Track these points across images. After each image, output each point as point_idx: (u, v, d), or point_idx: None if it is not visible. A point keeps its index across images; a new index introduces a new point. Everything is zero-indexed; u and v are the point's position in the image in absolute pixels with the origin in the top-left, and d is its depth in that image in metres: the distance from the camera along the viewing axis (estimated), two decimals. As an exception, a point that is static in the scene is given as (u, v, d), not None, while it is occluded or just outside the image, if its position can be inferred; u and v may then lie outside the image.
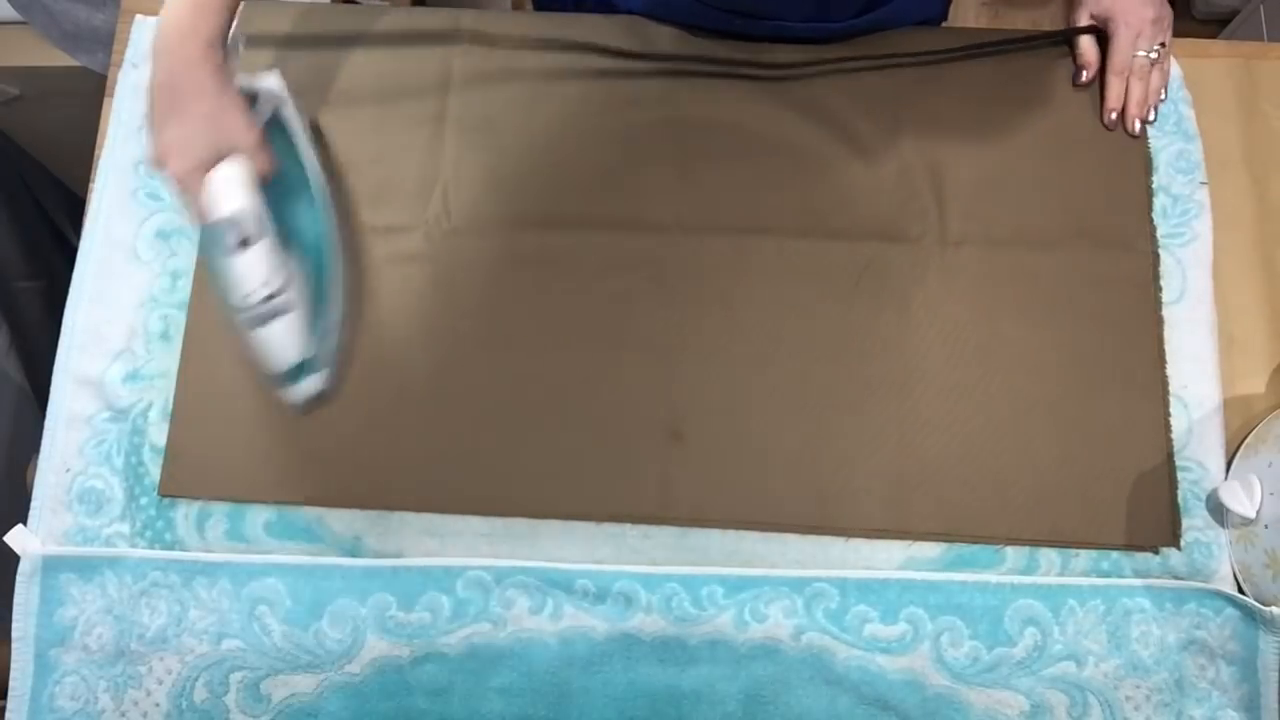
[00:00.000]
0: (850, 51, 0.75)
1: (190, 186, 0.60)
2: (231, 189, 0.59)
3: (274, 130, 0.67)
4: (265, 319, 0.61)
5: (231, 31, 0.62)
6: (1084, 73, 0.75)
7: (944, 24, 0.85)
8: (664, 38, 0.77)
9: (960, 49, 0.76)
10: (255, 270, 0.60)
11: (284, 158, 0.67)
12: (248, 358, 0.65)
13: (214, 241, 0.59)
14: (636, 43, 0.76)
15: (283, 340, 0.63)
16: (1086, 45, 0.75)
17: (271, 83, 0.67)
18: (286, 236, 0.65)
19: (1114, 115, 0.74)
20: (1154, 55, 0.73)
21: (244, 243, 0.59)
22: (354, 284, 0.70)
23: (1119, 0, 0.73)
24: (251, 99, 0.65)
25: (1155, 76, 0.74)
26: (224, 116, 0.61)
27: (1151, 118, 0.74)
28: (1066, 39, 0.76)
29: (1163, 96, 0.75)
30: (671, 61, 0.75)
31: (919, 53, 0.75)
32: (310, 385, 0.66)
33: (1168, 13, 0.74)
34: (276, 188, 0.64)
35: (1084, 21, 0.75)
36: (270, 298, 0.60)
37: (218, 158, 0.60)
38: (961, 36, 0.77)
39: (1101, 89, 0.75)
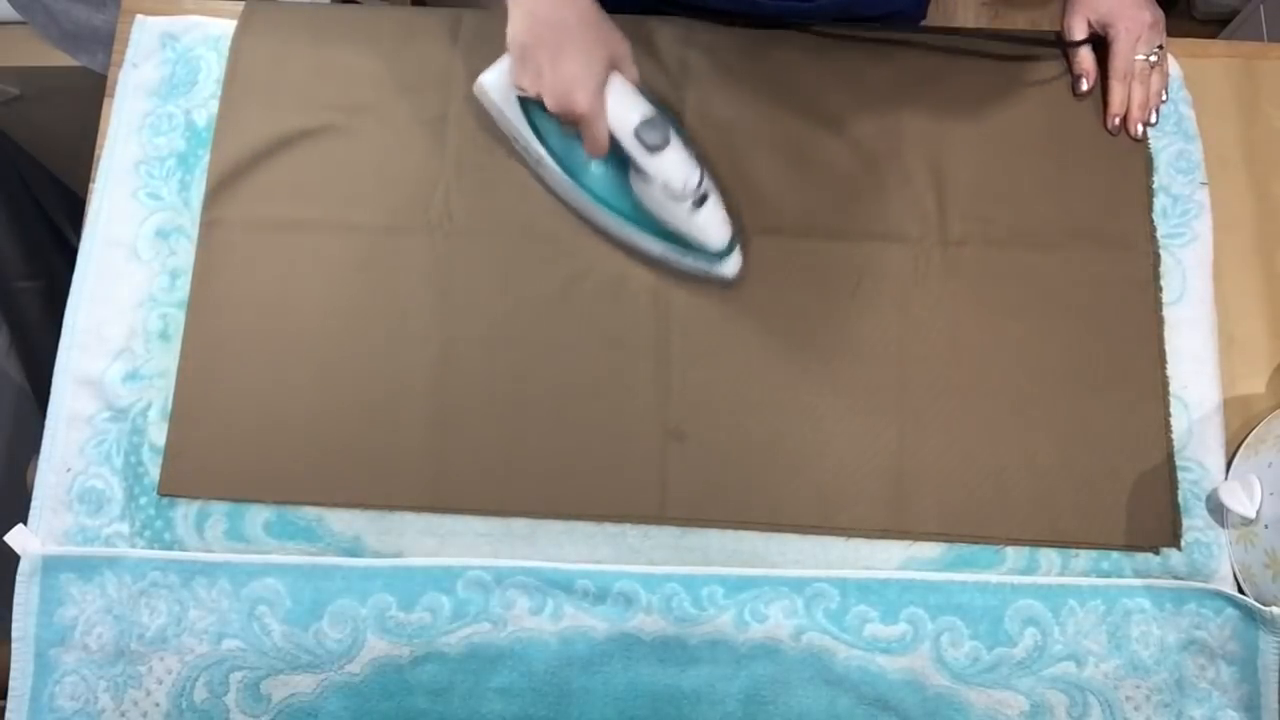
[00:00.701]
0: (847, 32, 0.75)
1: (596, 121, 0.60)
2: (633, 97, 0.61)
3: None
4: (701, 202, 0.64)
5: None
6: (1084, 81, 0.75)
7: (940, 24, 0.85)
8: (663, 36, 0.77)
9: (945, 49, 0.76)
10: (678, 167, 0.62)
11: None
12: (690, 237, 0.66)
13: (633, 150, 0.61)
14: (638, 37, 0.76)
15: (717, 218, 0.65)
16: (1084, 53, 0.75)
17: None
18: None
19: (1117, 120, 0.74)
20: (1153, 58, 0.73)
21: (666, 141, 0.61)
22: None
23: (1116, 6, 0.73)
24: None
25: (1155, 79, 0.74)
26: (606, 31, 0.61)
27: (1154, 120, 0.74)
28: (1062, 48, 0.76)
29: (1164, 97, 0.75)
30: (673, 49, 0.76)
31: (900, 40, 0.76)
32: (729, 267, 0.68)
33: (1161, 15, 0.74)
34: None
35: (1079, 27, 0.75)
36: (698, 187, 0.62)
37: (608, 73, 0.61)
38: (958, 38, 0.77)
39: (1103, 95, 0.75)
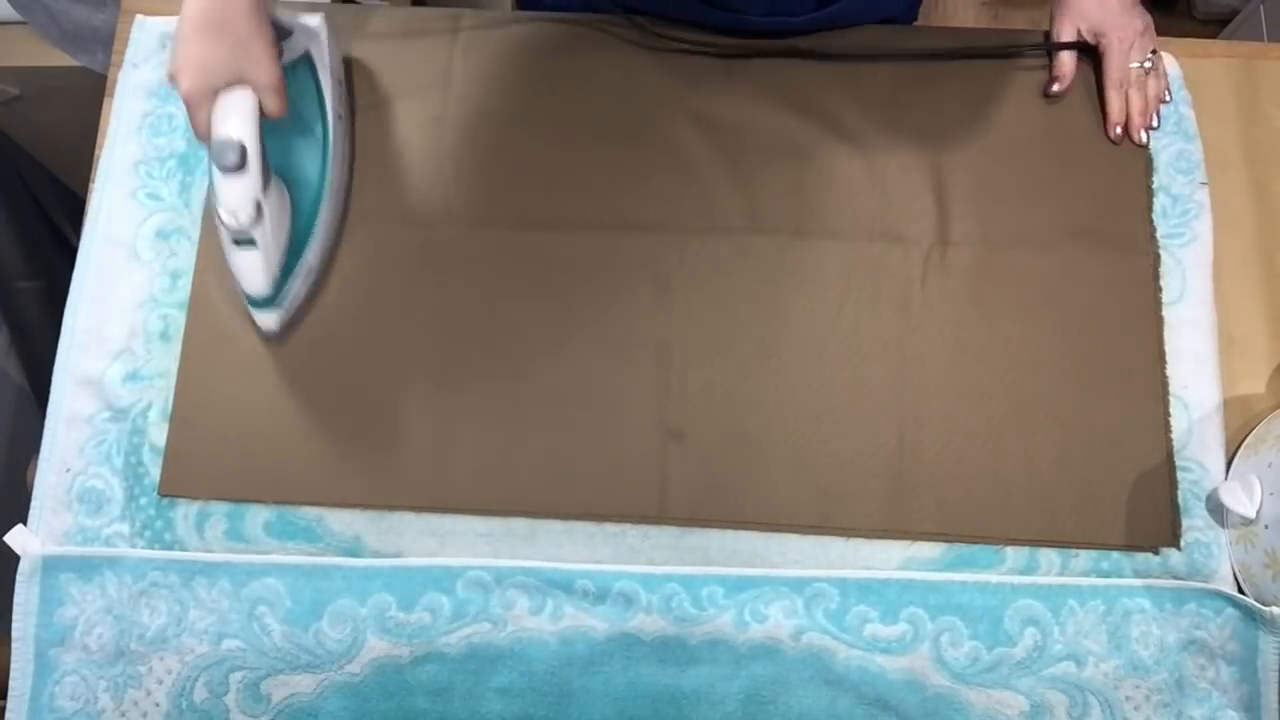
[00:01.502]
0: (830, 45, 0.75)
1: (198, 105, 0.60)
2: (235, 115, 0.60)
3: (301, 68, 0.67)
4: (244, 244, 0.63)
5: None
6: (1056, 84, 0.75)
7: (938, 24, 0.85)
8: (665, 37, 0.77)
9: (944, 49, 0.76)
10: (234, 197, 0.61)
11: (304, 98, 0.67)
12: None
13: (212, 158, 0.60)
14: (639, 41, 0.76)
15: (248, 270, 0.64)
16: (1066, 57, 0.75)
17: (312, 21, 0.68)
18: (286, 175, 0.67)
19: (1119, 129, 0.74)
20: (1147, 64, 0.73)
21: (233, 168, 0.60)
22: (339, 246, 0.71)
23: (1109, 15, 0.73)
24: (287, 33, 0.66)
25: (1152, 84, 0.74)
26: (249, 48, 0.60)
27: (1155, 124, 0.74)
28: (1048, 49, 0.76)
29: (1166, 98, 0.75)
30: (674, 50, 0.76)
31: (900, 54, 0.75)
32: (265, 320, 0.67)
33: (1150, 19, 0.75)
34: (289, 126, 0.65)
35: (1068, 35, 0.75)
36: (242, 226, 0.61)
37: (233, 83, 0.60)
38: (953, 37, 0.77)
39: (1101, 104, 0.75)
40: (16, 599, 0.66)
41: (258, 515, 0.67)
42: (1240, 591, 0.66)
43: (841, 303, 0.71)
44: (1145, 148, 0.74)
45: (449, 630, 0.65)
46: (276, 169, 0.66)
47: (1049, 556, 0.67)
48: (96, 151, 0.75)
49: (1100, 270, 0.72)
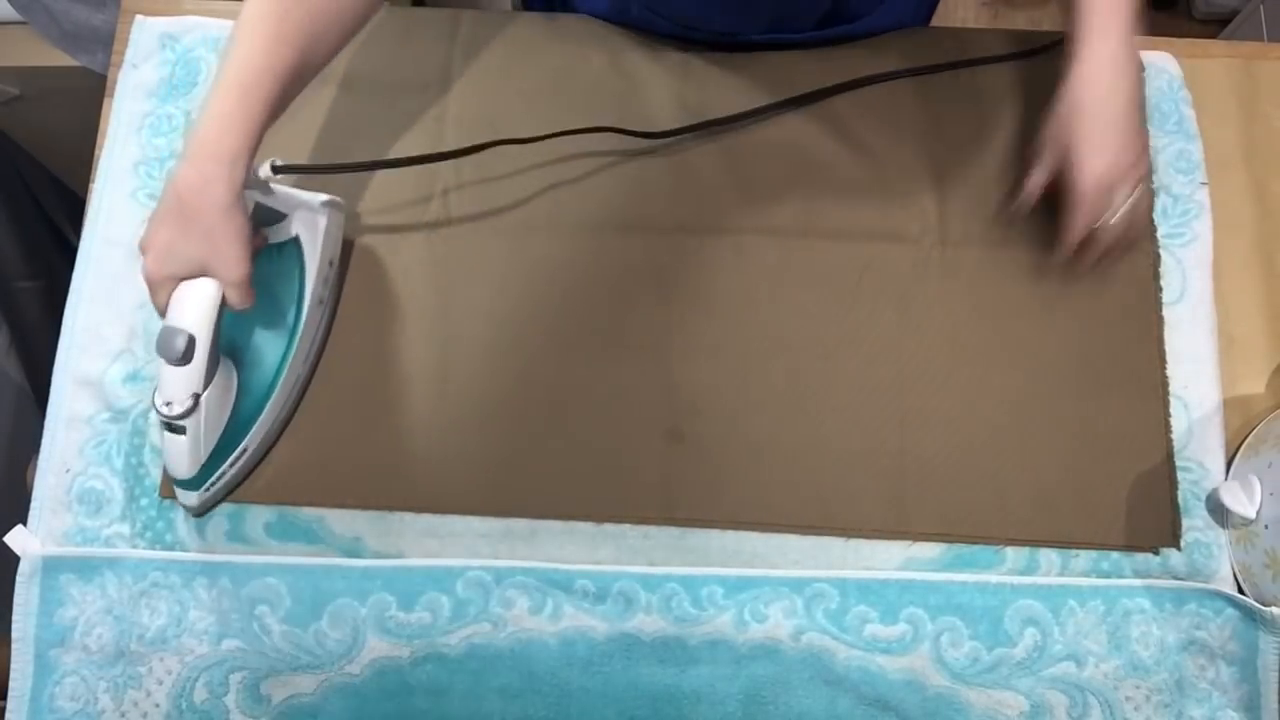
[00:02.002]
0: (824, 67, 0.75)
1: (158, 290, 0.58)
2: (191, 306, 0.58)
3: (289, 250, 0.65)
4: (165, 427, 0.61)
5: (259, 166, 0.60)
6: (1022, 204, 0.69)
7: (940, 24, 0.85)
8: (666, 42, 0.77)
9: (943, 50, 0.76)
10: (174, 386, 0.59)
11: (284, 281, 0.65)
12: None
13: (159, 340, 0.58)
14: (638, 43, 0.76)
15: (173, 454, 0.62)
16: (1039, 176, 0.68)
17: (315, 201, 0.65)
18: (243, 356, 0.65)
19: (1063, 255, 0.68)
20: (1125, 207, 0.65)
21: (176, 360, 0.58)
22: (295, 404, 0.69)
23: (1096, 150, 0.63)
24: (279, 216, 0.64)
25: (1134, 223, 0.67)
26: (219, 242, 0.57)
27: (1117, 262, 0.69)
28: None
29: (1150, 231, 0.70)
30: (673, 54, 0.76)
31: (887, 75, 0.75)
32: (185, 498, 0.65)
33: (1143, 139, 0.65)
34: (259, 307, 0.62)
35: (1049, 158, 0.66)
36: (173, 417, 0.59)
37: (197, 274, 0.58)
38: (953, 41, 0.77)
39: (1061, 222, 0.67)
40: (16, 599, 0.66)
41: (258, 516, 0.67)
42: (1240, 591, 0.66)
43: (842, 303, 0.71)
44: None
45: (449, 630, 0.65)
46: (231, 350, 0.64)
47: (1049, 557, 0.67)
48: (96, 151, 0.75)
49: (1100, 270, 0.72)
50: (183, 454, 0.62)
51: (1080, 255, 0.68)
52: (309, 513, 0.68)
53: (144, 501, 0.67)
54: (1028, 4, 1.72)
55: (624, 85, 0.76)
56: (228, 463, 0.64)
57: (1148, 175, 0.67)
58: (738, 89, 0.75)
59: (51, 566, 0.66)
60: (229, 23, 0.77)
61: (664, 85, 0.76)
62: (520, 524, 0.68)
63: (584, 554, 0.67)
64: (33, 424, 0.78)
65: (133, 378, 0.70)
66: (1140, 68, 0.66)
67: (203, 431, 0.61)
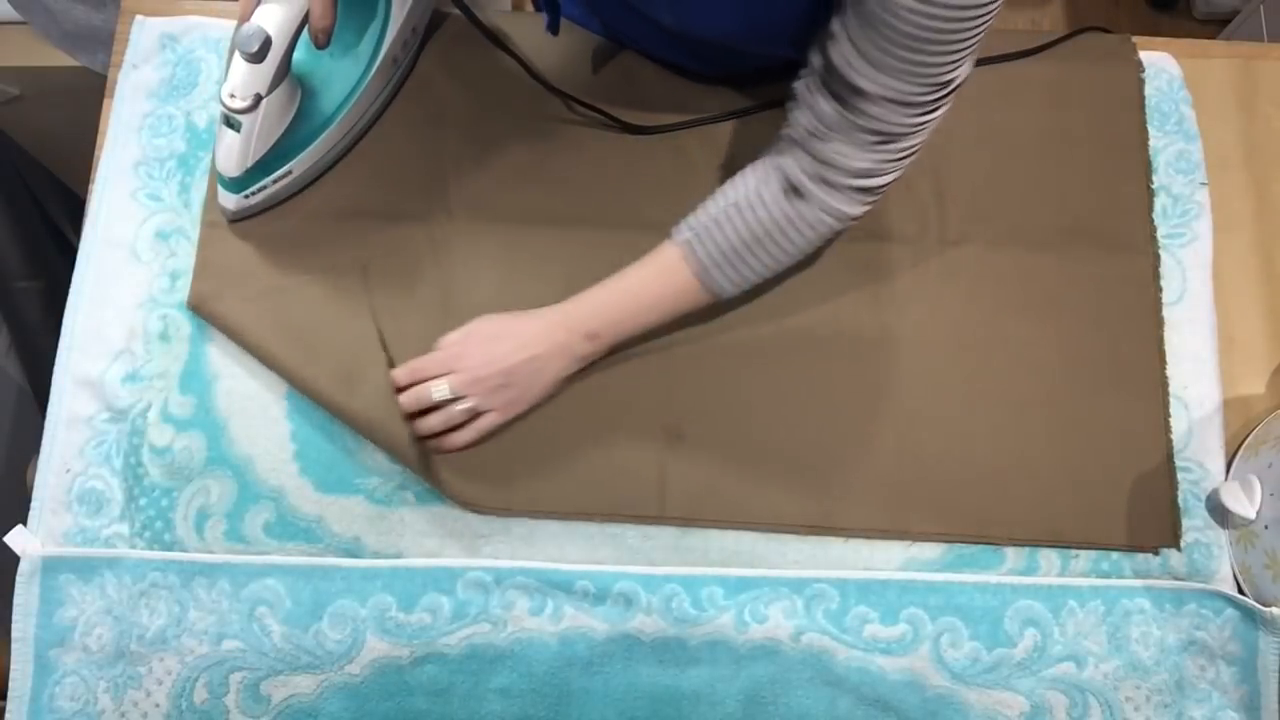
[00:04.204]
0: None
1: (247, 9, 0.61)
2: (278, 11, 0.61)
3: (379, 3, 0.68)
4: (224, 121, 0.64)
5: None
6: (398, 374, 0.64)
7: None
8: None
9: None
10: (242, 80, 0.62)
11: (369, 27, 0.69)
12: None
13: (238, 34, 0.61)
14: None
15: (224, 149, 0.65)
16: (428, 360, 0.64)
17: None
18: (310, 84, 0.68)
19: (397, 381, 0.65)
20: (447, 394, 0.63)
21: (250, 57, 0.61)
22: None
23: (467, 336, 0.64)
24: None
25: (458, 432, 0.64)
26: None
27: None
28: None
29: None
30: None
31: None
32: (224, 199, 0.68)
33: (496, 394, 0.63)
34: (339, 43, 0.66)
35: (444, 342, 0.64)
36: (234, 110, 0.62)
37: None
38: None
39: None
40: (16, 600, 0.66)
41: (257, 516, 0.67)
42: (1240, 592, 0.66)
43: (842, 302, 0.71)
44: (1141, 142, 0.73)
45: (449, 631, 0.65)
46: (302, 75, 0.67)
47: (1049, 557, 0.67)
48: (96, 152, 0.75)
49: (1100, 270, 0.72)
50: (234, 150, 0.65)
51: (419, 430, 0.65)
52: (308, 513, 0.67)
53: (143, 501, 0.67)
54: (1028, 4, 1.72)
55: (625, 85, 0.76)
56: (271, 178, 0.68)
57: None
58: (736, 87, 0.75)
59: (51, 567, 0.66)
60: (229, 22, 0.77)
61: (664, 84, 0.76)
62: (520, 525, 0.68)
63: (584, 554, 0.67)
64: (33, 424, 0.78)
65: (133, 378, 0.70)
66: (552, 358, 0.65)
67: (255, 133, 0.64)
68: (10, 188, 1.13)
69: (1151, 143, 0.75)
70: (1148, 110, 0.76)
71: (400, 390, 0.64)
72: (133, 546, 0.67)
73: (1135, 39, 0.78)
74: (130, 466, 0.68)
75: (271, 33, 0.61)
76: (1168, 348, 0.70)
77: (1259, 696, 0.65)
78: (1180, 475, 0.68)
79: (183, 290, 0.71)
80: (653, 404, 0.69)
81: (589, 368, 0.69)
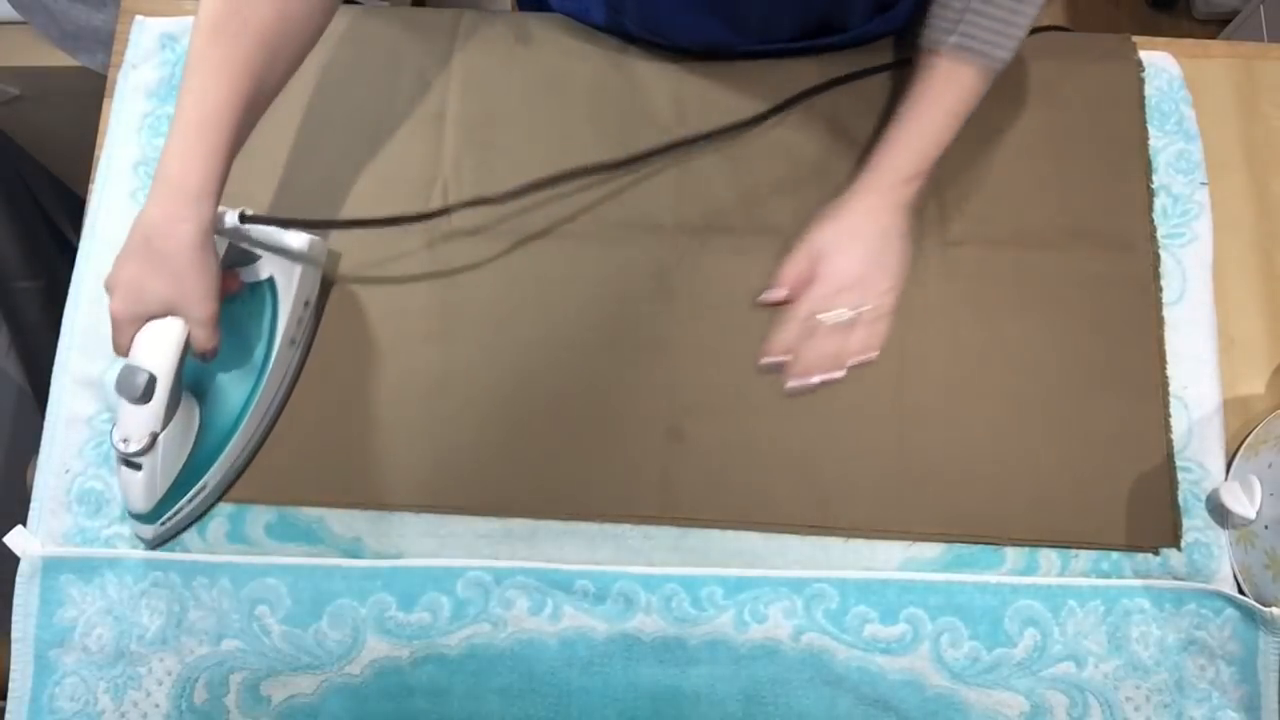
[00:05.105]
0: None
1: (123, 330, 0.57)
2: (155, 346, 0.57)
3: (263, 290, 0.64)
4: (122, 463, 0.61)
5: (226, 215, 0.59)
6: (770, 294, 0.68)
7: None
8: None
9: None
10: (132, 424, 0.58)
11: (255, 320, 0.65)
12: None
13: (119, 377, 0.58)
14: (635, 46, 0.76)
15: (130, 487, 0.61)
16: (793, 264, 0.69)
17: (295, 242, 0.64)
18: (207, 393, 0.64)
19: (768, 360, 0.68)
20: (849, 315, 0.67)
21: (135, 399, 0.57)
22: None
23: (835, 246, 0.67)
24: (253, 258, 0.64)
25: (857, 335, 0.68)
26: (186, 282, 0.56)
27: (839, 375, 0.67)
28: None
29: (869, 358, 0.68)
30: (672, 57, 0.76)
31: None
32: (140, 530, 0.65)
33: (885, 280, 0.67)
34: (228, 345, 0.61)
35: (800, 248, 0.69)
36: (130, 454, 0.59)
37: (164, 314, 0.57)
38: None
39: (778, 323, 0.68)
40: (16, 600, 0.66)
41: (259, 517, 0.67)
42: (1240, 592, 0.66)
43: (841, 303, 0.71)
44: (1139, 143, 0.74)
45: (449, 631, 0.65)
46: (196, 386, 0.64)
47: (1049, 557, 0.67)
48: (96, 152, 0.75)
49: (1100, 270, 0.72)
50: (139, 489, 0.61)
51: (796, 367, 0.67)
52: (309, 513, 0.68)
53: (144, 502, 0.67)
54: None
55: (624, 85, 0.76)
56: (186, 498, 0.64)
57: (886, 315, 0.69)
58: (739, 88, 0.75)
59: (51, 567, 0.66)
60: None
61: (663, 83, 0.76)
62: (520, 524, 0.68)
63: (584, 554, 0.67)
64: (33, 424, 0.78)
65: (132, 378, 0.70)
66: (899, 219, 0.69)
67: (159, 469, 0.61)
68: (10, 188, 1.13)
69: (1151, 143, 0.75)
70: (1148, 110, 0.76)
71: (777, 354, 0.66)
72: (133, 547, 0.67)
73: (1135, 39, 0.78)
74: (130, 466, 0.68)
75: (154, 369, 0.57)
76: (1168, 348, 0.70)
77: (1259, 696, 0.65)
78: (1180, 475, 0.68)
79: (183, 290, 0.71)
80: (654, 404, 0.69)
81: (588, 368, 0.69)
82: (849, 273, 0.67)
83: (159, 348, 0.58)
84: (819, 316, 0.67)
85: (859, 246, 0.68)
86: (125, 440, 0.59)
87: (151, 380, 0.57)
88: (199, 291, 0.57)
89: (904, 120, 0.67)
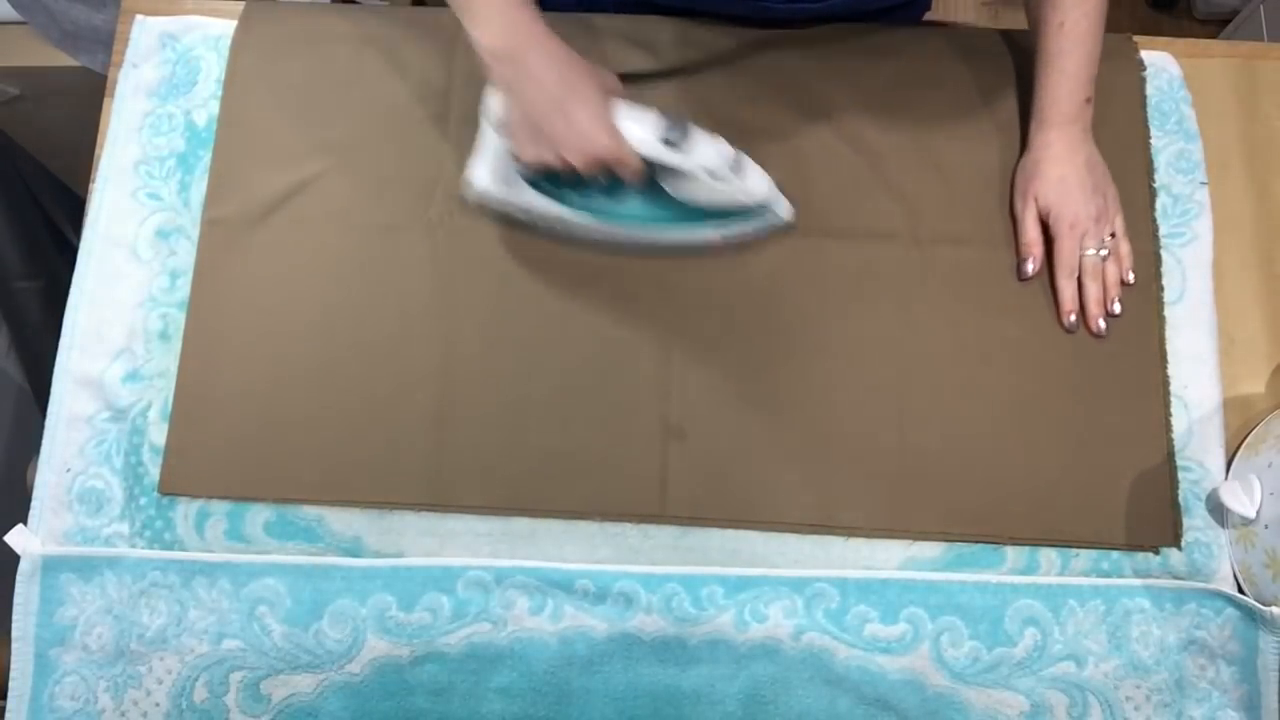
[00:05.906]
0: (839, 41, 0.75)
1: (624, 146, 0.59)
2: (638, 112, 0.59)
3: None
4: (737, 165, 0.62)
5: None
6: (1029, 264, 0.70)
7: (936, 19, 0.85)
8: (664, 33, 0.77)
9: (944, 48, 0.76)
10: (708, 139, 0.60)
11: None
12: (741, 204, 0.66)
13: (664, 157, 0.59)
14: (638, 39, 0.76)
15: (756, 170, 0.64)
16: (1033, 234, 0.71)
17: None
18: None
19: (1072, 318, 0.70)
20: (1104, 252, 0.70)
21: (684, 135, 0.59)
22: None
23: (1061, 197, 0.69)
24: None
25: (1111, 269, 0.70)
26: (585, 69, 0.60)
27: (1116, 310, 0.70)
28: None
29: (1129, 279, 0.70)
30: (674, 53, 0.76)
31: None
32: (785, 201, 0.67)
33: (1111, 202, 0.70)
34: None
35: (1026, 210, 0.71)
36: (732, 157, 0.61)
37: (609, 106, 0.60)
38: (957, 37, 0.77)
39: (1053, 289, 0.71)
40: (16, 599, 0.66)
41: (258, 515, 0.67)
42: (1240, 591, 0.66)
43: (842, 302, 0.71)
44: (1141, 143, 0.74)
45: (449, 630, 0.65)
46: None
47: (1049, 556, 0.67)
48: (96, 151, 0.75)
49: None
50: (758, 169, 0.64)
51: (1087, 316, 0.70)
52: (308, 511, 0.68)
53: (143, 501, 0.67)
54: (1028, 4, 1.72)
55: (624, 84, 0.76)
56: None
57: (1123, 235, 0.71)
58: (740, 86, 0.75)
59: (51, 566, 0.66)
60: (229, 22, 0.77)
61: (663, 84, 0.76)
62: (520, 523, 0.68)
63: (584, 554, 0.67)
64: (33, 424, 0.78)
65: (133, 377, 0.70)
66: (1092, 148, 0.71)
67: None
68: (10, 188, 1.13)
69: (1151, 142, 0.75)
70: (1148, 110, 0.76)
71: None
72: (133, 546, 0.67)
73: (1136, 39, 0.78)
74: (130, 466, 0.68)
75: (661, 116, 0.60)
76: (1168, 348, 0.70)
77: (1259, 696, 0.65)
78: (1180, 475, 0.68)
79: (183, 289, 0.71)
80: (654, 403, 0.69)
81: (588, 368, 0.69)
82: (1083, 216, 0.69)
83: (639, 113, 0.60)
84: (1086, 255, 0.70)
85: (1077, 189, 0.69)
86: (721, 155, 0.61)
87: (672, 117, 0.60)
88: (584, 60, 0.61)
89: (1060, 52, 0.68)
